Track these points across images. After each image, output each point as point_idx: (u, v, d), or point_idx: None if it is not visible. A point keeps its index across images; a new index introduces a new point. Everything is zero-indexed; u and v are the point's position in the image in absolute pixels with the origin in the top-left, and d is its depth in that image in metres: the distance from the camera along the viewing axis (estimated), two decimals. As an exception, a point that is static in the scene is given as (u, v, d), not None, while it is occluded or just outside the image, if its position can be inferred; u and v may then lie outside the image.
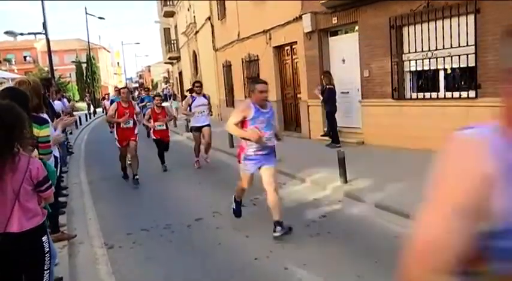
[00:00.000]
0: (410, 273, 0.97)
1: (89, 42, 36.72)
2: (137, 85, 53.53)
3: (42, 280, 2.64)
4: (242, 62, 15.37)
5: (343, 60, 10.36)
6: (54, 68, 19.37)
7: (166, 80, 55.24)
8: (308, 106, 11.34)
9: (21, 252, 2.56)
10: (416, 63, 8.32)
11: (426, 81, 8.43)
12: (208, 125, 9.01)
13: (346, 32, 10.36)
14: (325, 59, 10.74)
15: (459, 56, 7.46)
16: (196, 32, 22.19)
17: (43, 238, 2.64)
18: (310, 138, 11.34)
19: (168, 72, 50.34)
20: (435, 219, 0.96)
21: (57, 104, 8.77)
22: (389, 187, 5.98)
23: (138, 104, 11.03)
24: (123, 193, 7.39)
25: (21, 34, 19.47)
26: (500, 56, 1.00)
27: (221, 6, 17.31)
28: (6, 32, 17.81)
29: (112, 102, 14.82)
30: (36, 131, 3.49)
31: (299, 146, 10.67)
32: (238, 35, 15.24)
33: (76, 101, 36.50)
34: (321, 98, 9.91)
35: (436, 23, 7.70)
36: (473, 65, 7.21)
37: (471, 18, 7.11)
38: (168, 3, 29.93)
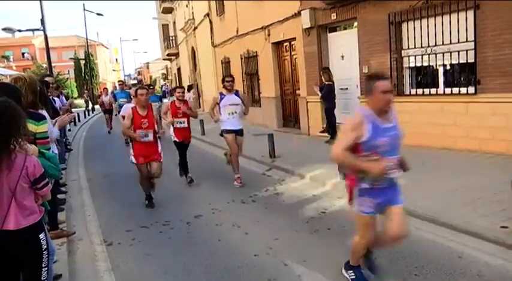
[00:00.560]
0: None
1: (87, 38, 36.56)
2: (136, 81, 53.32)
3: (41, 278, 2.63)
4: (241, 58, 15.33)
5: (342, 57, 10.34)
6: (53, 64, 19.27)
7: (165, 77, 55.13)
8: (307, 102, 11.32)
9: (18, 250, 2.55)
10: (415, 59, 8.30)
11: (425, 77, 8.40)
12: (242, 131, 7.22)
13: (345, 28, 10.33)
14: (324, 55, 10.71)
15: (458, 52, 7.44)
16: (195, 28, 22.13)
17: (40, 236, 2.62)
18: (309, 134, 11.32)
19: (167, 68, 50.26)
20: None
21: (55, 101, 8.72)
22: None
23: None
24: (122, 190, 7.37)
25: (19, 31, 19.43)
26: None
27: (219, 2, 17.25)
28: (4, 29, 17.68)
29: (114, 96, 14.15)
30: (34, 128, 3.47)
31: (298, 142, 10.68)
32: (237, 31, 15.20)
33: (74, 98, 36.36)
34: (320, 94, 9.89)
35: (435, 19, 7.67)
36: (473, 61, 7.19)
37: (470, 14, 7.08)
38: (167, -1, 29.81)
